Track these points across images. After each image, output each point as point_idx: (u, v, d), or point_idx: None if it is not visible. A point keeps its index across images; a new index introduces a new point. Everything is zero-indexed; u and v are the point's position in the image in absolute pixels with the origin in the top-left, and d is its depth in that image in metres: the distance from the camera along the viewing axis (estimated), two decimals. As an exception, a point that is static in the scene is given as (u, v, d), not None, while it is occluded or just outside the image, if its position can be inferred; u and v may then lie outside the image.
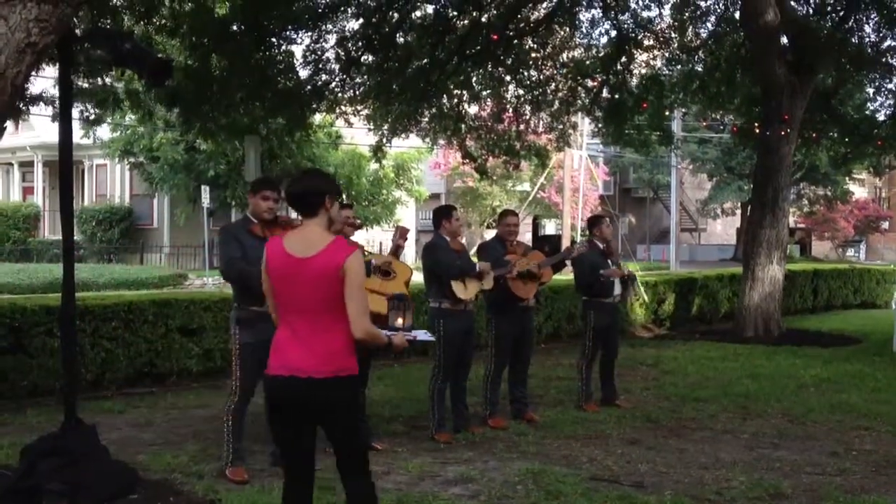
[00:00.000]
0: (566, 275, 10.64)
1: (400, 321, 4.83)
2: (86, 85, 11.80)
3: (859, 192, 47.38)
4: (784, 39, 14.50)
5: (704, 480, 5.98)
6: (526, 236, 37.65)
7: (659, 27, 16.19)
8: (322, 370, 3.82)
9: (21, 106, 11.45)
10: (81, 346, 8.22)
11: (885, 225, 48.94)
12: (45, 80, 12.35)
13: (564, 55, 15.97)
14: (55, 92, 11.72)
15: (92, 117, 13.30)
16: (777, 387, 9.59)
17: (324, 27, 13.08)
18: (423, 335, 5.32)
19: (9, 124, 5.63)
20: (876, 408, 8.50)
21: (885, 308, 20.72)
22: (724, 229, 50.18)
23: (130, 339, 8.86)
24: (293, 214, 4.90)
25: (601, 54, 15.95)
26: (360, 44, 13.36)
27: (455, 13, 14.14)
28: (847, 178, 40.21)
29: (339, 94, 14.12)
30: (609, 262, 8.41)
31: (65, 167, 5.59)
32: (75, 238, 5.57)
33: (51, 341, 8.25)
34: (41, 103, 11.76)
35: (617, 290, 8.43)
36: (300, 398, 3.85)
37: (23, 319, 8.19)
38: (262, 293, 4.18)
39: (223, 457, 5.93)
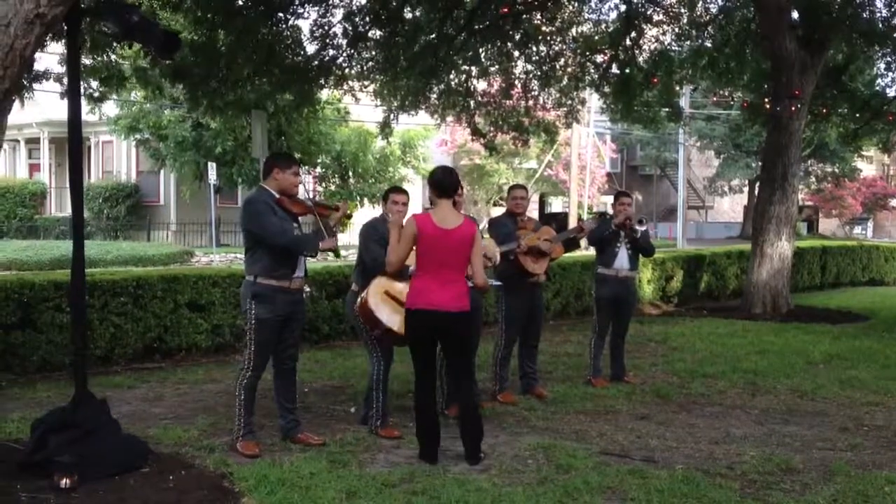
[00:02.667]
0: (576, 252, 10.61)
1: None
2: (89, 62, 11.72)
3: (867, 169, 47.07)
4: (794, 14, 14.35)
5: (715, 455, 5.97)
6: (532, 214, 37.57)
7: (668, 2, 16.03)
8: (452, 306, 5.58)
9: (26, 83, 11.38)
10: (90, 322, 8.25)
11: (893, 202, 48.66)
12: (50, 58, 12.32)
13: (573, 30, 15.85)
14: (60, 69, 11.68)
15: (96, 95, 13.23)
16: (786, 363, 9.56)
17: (331, 1, 12.97)
18: (495, 282, 7.07)
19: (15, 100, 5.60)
20: (885, 384, 8.47)
21: (893, 285, 20.71)
22: (731, 207, 50.03)
23: (139, 314, 8.88)
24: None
25: (610, 29, 15.81)
26: (367, 18, 13.25)
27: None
28: (855, 156, 39.95)
29: (347, 70, 14.02)
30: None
31: (73, 139, 5.56)
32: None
33: (60, 316, 8.26)
34: (45, 80, 11.69)
35: (620, 263, 8.37)
36: (438, 324, 5.60)
37: (32, 295, 8.20)
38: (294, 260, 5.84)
39: (234, 430, 5.95)
